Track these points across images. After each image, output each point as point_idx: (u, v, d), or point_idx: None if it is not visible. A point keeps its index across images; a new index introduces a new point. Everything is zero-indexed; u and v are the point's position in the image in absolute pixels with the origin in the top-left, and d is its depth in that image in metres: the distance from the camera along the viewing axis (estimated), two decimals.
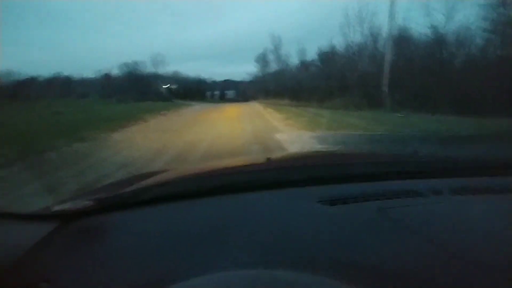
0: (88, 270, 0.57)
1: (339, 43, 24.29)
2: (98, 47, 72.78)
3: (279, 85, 28.39)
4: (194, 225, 0.70)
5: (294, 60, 32.79)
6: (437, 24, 16.47)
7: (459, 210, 0.75)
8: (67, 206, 0.78)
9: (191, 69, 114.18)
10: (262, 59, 38.68)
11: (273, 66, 36.05)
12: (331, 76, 21.37)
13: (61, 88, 42.79)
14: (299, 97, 23.27)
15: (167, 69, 59.03)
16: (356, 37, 21.65)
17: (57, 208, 0.77)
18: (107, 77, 49.87)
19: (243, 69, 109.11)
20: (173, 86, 55.56)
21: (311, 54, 29.14)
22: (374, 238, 0.60)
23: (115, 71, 49.13)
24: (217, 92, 59.85)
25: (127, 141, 6.85)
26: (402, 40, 18.66)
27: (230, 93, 59.85)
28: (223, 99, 55.49)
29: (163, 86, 52.78)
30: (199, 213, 0.77)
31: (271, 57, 36.05)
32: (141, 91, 42.79)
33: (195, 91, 56.08)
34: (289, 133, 7.87)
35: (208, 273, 0.49)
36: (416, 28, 23.14)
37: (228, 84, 64.28)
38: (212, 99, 55.04)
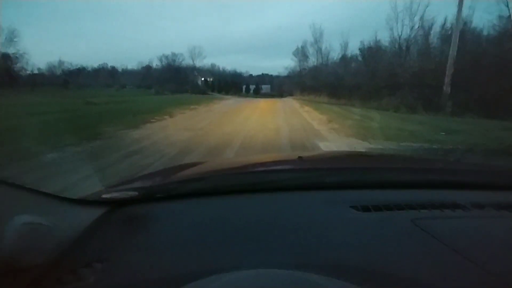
0: (137, 253, 0.60)
1: (385, 37, 21.30)
2: (141, 40, 75.00)
3: (317, 80, 26.01)
4: (231, 221, 0.72)
5: (335, 55, 30.04)
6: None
7: (503, 227, 0.69)
8: (115, 194, 0.81)
9: (229, 63, 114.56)
10: (300, 53, 36.12)
11: (312, 61, 33.46)
12: (376, 73, 18.83)
13: (106, 78, 45.77)
14: (339, 95, 21.00)
15: (205, 62, 59.81)
16: (406, 31, 19.01)
17: (106, 195, 0.80)
18: (147, 69, 51.95)
19: (280, 64, 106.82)
20: (210, 79, 55.86)
21: (354, 49, 26.26)
22: (407, 250, 0.58)
23: (156, 63, 50.68)
24: (252, 86, 58.74)
25: (139, 142, 5.61)
26: (468, 34, 15.75)
27: (265, 88, 58.85)
28: (258, 93, 54.62)
29: (201, 79, 53.07)
30: (236, 209, 0.79)
31: (310, 50, 33.47)
32: (179, 83, 43.71)
33: (231, 84, 55.85)
34: (336, 141, 6.13)
35: (243, 269, 0.50)
36: (484, 19, 19.49)
37: (264, 78, 63.47)
38: (247, 93, 54.39)
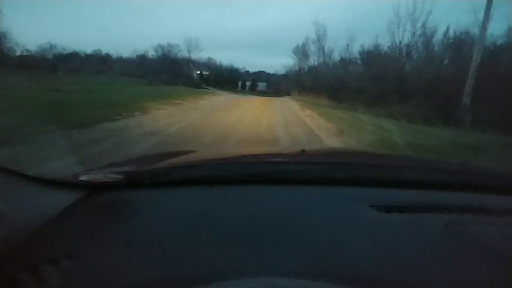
0: (114, 250, 0.51)
1: (392, 40, 19.43)
2: (138, 28, 72.00)
3: (317, 81, 23.97)
4: (228, 215, 0.62)
5: (338, 55, 27.75)
6: None
7: None
8: (96, 176, 0.71)
9: (226, 57, 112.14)
10: (301, 51, 33.55)
11: (313, 60, 31.00)
12: (383, 77, 17.02)
13: (98, 65, 43.22)
14: (341, 98, 19.11)
15: (202, 55, 58.21)
16: (416, 34, 17.23)
17: (85, 177, 0.70)
18: (142, 58, 50.15)
19: (277, 62, 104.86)
20: (205, 73, 54.18)
21: (357, 51, 24.33)
22: (444, 259, 0.51)
23: (152, 53, 49.18)
24: (248, 83, 56.85)
25: (60, 156, 3.53)
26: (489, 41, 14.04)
27: (261, 85, 57.37)
28: (254, 90, 53.03)
29: (196, 72, 51.44)
30: (233, 201, 0.70)
31: (312, 48, 30.85)
32: (173, 74, 42.00)
33: (226, 79, 54.50)
34: None
35: (244, 276, 0.43)
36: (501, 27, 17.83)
37: (260, 75, 62.18)
38: (243, 90, 52.66)
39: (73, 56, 43.00)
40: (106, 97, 10.87)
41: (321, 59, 28.87)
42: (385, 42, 20.20)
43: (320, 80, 23.60)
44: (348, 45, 26.37)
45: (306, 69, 31.61)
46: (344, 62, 25.23)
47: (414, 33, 18.03)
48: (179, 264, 0.46)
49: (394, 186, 0.80)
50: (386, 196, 0.75)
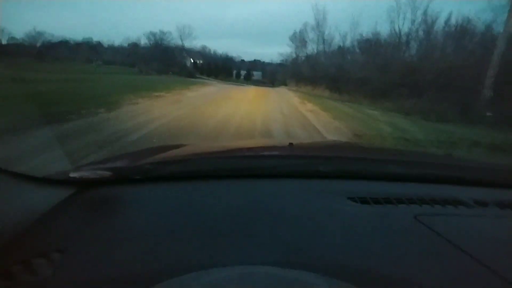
0: (104, 244, 0.52)
1: (397, 27, 17.68)
2: (130, 16, 68.76)
3: (316, 70, 22.23)
4: (214, 209, 0.64)
5: (338, 43, 25.61)
6: None
7: (509, 227, 0.67)
8: (85, 173, 0.71)
9: (220, 46, 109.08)
10: (298, 38, 31.25)
11: (311, 48, 28.68)
12: (390, 68, 15.48)
13: (88, 53, 41.62)
14: (342, 89, 17.60)
15: (195, 43, 56.28)
16: (431, 21, 15.59)
17: (74, 174, 0.70)
18: (134, 46, 47.83)
19: (273, 51, 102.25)
20: (199, 61, 52.30)
21: (358, 39, 22.41)
22: (411, 249, 0.54)
23: (144, 41, 46.99)
24: (243, 72, 54.81)
25: None
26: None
27: (256, 74, 55.64)
28: (248, 79, 51.14)
29: (190, 60, 49.62)
30: (219, 195, 0.71)
31: (310, 36, 28.43)
32: (166, 63, 40.11)
33: (221, 68, 52.62)
34: None
35: (226, 266, 0.45)
36: None
37: (255, 64, 60.46)
38: (237, 79, 50.75)
39: (62, 44, 41.23)
40: (79, 89, 9.25)
41: (321, 47, 26.70)
42: (388, 29, 18.25)
43: (319, 69, 21.89)
44: (349, 32, 24.66)
45: (304, 58, 29.57)
46: (345, 50, 23.45)
47: (424, 20, 16.38)
48: (164, 257, 0.47)
49: (373, 179, 0.82)
50: (365, 188, 0.76)
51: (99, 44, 48.46)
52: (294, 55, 33.02)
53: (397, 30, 17.59)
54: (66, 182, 0.67)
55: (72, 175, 0.69)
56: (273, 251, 0.49)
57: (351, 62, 18.96)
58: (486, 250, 0.53)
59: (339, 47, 23.88)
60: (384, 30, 17.74)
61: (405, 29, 17.06)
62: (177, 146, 1.12)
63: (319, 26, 26.35)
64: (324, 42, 25.84)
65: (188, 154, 1.01)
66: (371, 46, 19.18)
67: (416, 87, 12.65)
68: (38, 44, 35.17)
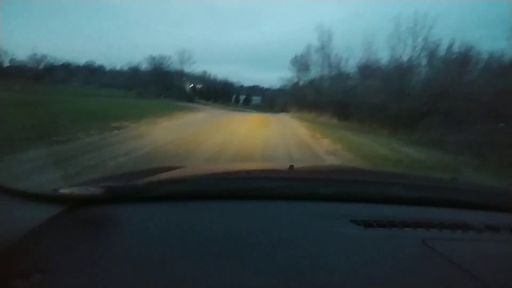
0: (88, 266, 0.48)
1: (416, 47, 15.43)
2: (133, 41, 68.76)
3: (320, 95, 19.53)
4: (209, 231, 0.60)
5: (345, 65, 22.88)
6: None
7: None
8: (76, 190, 0.69)
9: (221, 71, 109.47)
10: (300, 61, 28.42)
11: (315, 71, 25.69)
12: (413, 93, 12.98)
13: (86, 76, 41.60)
14: (352, 116, 15.03)
15: (196, 68, 56.10)
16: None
17: (64, 191, 0.67)
18: (134, 69, 46.89)
19: (273, 76, 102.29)
20: (198, 86, 51.03)
21: (372, 61, 20.15)
22: (419, 274, 0.51)
23: (146, 65, 46.13)
24: (242, 97, 53.11)
25: None
26: None
27: (256, 99, 54.22)
28: (247, 104, 49.28)
29: (189, 85, 48.51)
30: (215, 217, 0.67)
31: (314, 58, 25.33)
32: (164, 87, 38.98)
33: (220, 93, 51.07)
34: None
35: None
36: None
37: (255, 89, 59.59)
38: (236, 104, 48.91)
39: (62, 67, 40.95)
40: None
41: (325, 71, 24.06)
42: (406, 51, 15.83)
43: (324, 94, 19.16)
44: (358, 54, 22.37)
45: (307, 82, 27.02)
46: (354, 74, 20.96)
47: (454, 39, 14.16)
48: (154, 281, 0.45)
49: (377, 202, 0.79)
50: (368, 211, 0.73)
51: (100, 67, 48.98)
52: (295, 80, 30.18)
53: (416, 50, 15.24)
54: (57, 199, 0.64)
55: (62, 191, 0.66)
56: (271, 276, 0.46)
57: (362, 87, 16.41)
58: (499, 277, 0.50)
59: (345, 71, 21.45)
60: (399, 51, 15.47)
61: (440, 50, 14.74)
62: (174, 168, 1.07)
63: (324, 47, 23.88)
64: (329, 65, 23.30)
65: (184, 175, 0.97)
66: (387, 69, 16.80)
67: (452, 117, 9.96)
68: (39, 67, 35.13)
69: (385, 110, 13.07)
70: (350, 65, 22.45)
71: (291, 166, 1.00)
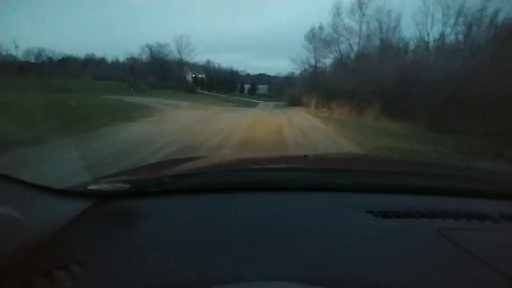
0: (123, 256, 0.50)
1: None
2: (135, 31, 62.89)
3: (356, 81, 13.10)
4: (231, 222, 0.61)
5: (394, 36, 15.86)
6: None
7: None
8: (103, 185, 0.70)
9: (226, 60, 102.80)
10: (319, 35, 20.76)
11: (345, 47, 18.88)
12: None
13: (76, 68, 37.09)
14: (409, 112, 9.21)
15: (200, 57, 51.72)
16: None
17: (93, 187, 0.69)
18: (132, 60, 42.29)
19: (280, 64, 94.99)
20: (201, 75, 45.40)
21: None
22: (437, 265, 0.50)
23: (145, 56, 42.55)
24: (247, 86, 47.10)
25: None
26: None
27: (262, 88, 48.55)
28: (253, 94, 43.08)
29: (191, 74, 43.06)
30: (237, 208, 0.68)
31: (341, 27, 18.48)
32: (163, 77, 36.45)
33: (223, 82, 44.93)
34: None
35: (245, 281, 0.43)
36: None
37: (261, 78, 54.02)
38: (241, 94, 42.96)
39: (66, 61, 37.60)
40: None
41: (355, 47, 16.97)
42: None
43: (362, 80, 12.66)
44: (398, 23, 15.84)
45: (331, 64, 19.66)
46: (411, 48, 14.65)
47: None
48: (182, 270, 0.46)
49: (393, 192, 0.78)
50: (384, 201, 0.72)
51: (103, 60, 45.09)
52: (312, 62, 22.56)
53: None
54: (85, 194, 0.66)
55: (90, 187, 0.67)
56: (292, 265, 0.47)
57: (428, 68, 10.20)
58: None
59: (396, 43, 14.83)
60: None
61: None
62: (193, 158, 1.10)
63: (362, 5, 16.12)
64: (360, 36, 16.03)
65: (205, 167, 0.98)
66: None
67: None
68: (33, 60, 32.86)
69: (457, 100, 7.12)
70: (399, 37, 15.34)
71: (306, 156, 1.03)
